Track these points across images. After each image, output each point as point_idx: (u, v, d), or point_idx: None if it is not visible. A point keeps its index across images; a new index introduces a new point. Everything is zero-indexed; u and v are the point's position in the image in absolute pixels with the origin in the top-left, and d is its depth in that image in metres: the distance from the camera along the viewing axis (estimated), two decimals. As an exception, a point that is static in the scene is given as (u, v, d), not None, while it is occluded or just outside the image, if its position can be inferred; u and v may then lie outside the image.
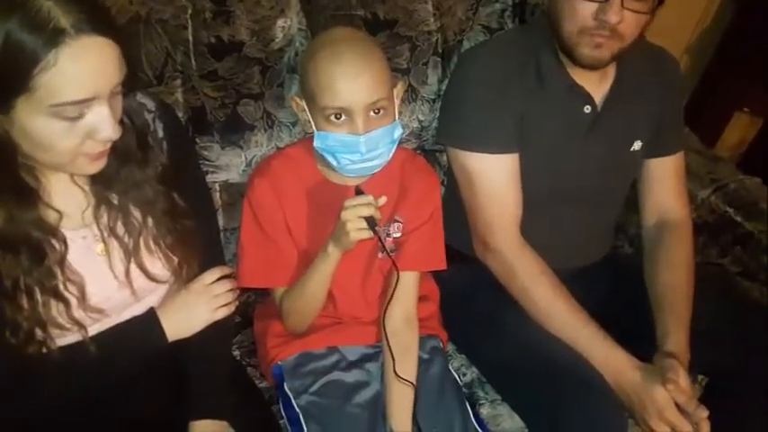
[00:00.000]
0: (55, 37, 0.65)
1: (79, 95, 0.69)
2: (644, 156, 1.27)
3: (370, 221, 0.95)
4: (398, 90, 1.06)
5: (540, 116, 1.16)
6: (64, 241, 0.80)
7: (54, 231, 0.79)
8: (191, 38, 1.12)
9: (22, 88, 0.66)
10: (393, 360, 1.05)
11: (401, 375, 1.04)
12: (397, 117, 1.03)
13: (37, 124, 0.69)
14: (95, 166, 0.78)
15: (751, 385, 1.12)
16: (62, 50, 0.66)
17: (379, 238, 0.99)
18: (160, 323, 0.91)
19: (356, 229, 0.95)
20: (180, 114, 1.11)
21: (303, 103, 1.02)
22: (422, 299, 1.21)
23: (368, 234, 0.96)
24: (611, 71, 1.19)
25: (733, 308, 1.21)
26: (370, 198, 0.97)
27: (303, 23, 1.21)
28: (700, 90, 2.38)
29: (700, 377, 1.25)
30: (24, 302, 0.77)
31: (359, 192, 1.00)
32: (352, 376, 1.11)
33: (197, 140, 1.16)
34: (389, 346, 1.06)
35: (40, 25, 0.65)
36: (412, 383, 1.05)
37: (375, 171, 1.05)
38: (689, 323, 1.13)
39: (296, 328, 1.13)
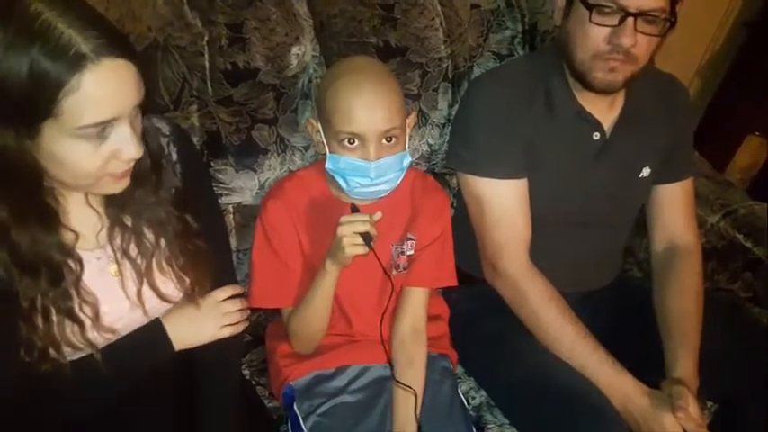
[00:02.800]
0: (77, 62, 0.68)
1: (103, 117, 0.71)
2: (653, 182, 1.28)
3: (366, 237, 0.98)
4: (410, 120, 1.09)
5: (548, 142, 1.17)
6: (79, 262, 0.82)
7: (71, 253, 0.81)
8: (207, 64, 1.14)
9: (47, 113, 0.69)
10: (392, 368, 1.08)
11: (402, 382, 1.07)
12: (407, 147, 1.06)
13: (63, 147, 0.71)
14: (120, 186, 0.80)
15: (761, 411, 1.11)
16: (84, 75, 0.68)
17: (375, 253, 1.01)
18: (166, 332, 0.92)
19: (351, 245, 0.98)
20: (195, 139, 1.14)
21: (318, 126, 1.05)
22: (434, 318, 1.23)
23: (363, 249, 0.99)
24: (620, 99, 1.20)
25: (742, 334, 1.20)
26: (366, 215, 0.99)
27: (317, 51, 1.24)
28: (711, 113, 2.39)
29: (709, 403, 1.25)
30: (40, 322, 0.79)
31: (354, 209, 1.03)
32: (361, 397, 1.12)
33: (212, 164, 1.18)
34: (389, 353, 1.09)
35: (63, 52, 0.67)
36: (412, 389, 1.07)
37: (382, 195, 1.07)
38: (698, 349, 1.13)
39: (303, 348, 1.15)
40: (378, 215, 1.01)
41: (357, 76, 1.01)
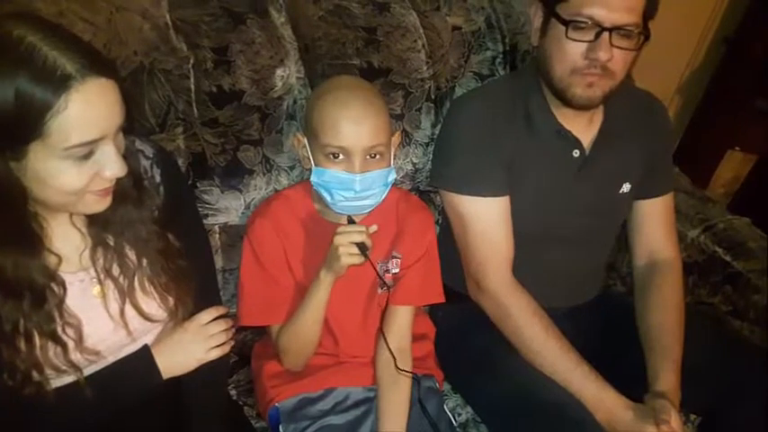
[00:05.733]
0: (63, 83, 0.69)
1: (89, 136, 0.72)
2: (633, 197, 1.30)
3: (362, 247, 1.00)
4: (395, 138, 1.11)
5: (529, 160, 1.19)
6: (63, 285, 0.82)
7: (54, 276, 0.81)
8: (192, 87, 1.15)
9: (35, 135, 0.70)
10: (394, 358, 1.10)
11: (402, 369, 1.10)
12: (392, 163, 1.08)
13: (49, 167, 0.72)
14: (103, 204, 0.81)
15: (743, 424, 1.13)
16: (71, 95, 0.69)
17: (372, 262, 1.03)
18: (154, 360, 0.92)
19: (347, 254, 1.00)
20: (181, 160, 1.14)
21: (304, 140, 1.07)
22: (420, 337, 1.24)
23: (359, 259, 1.01)
24: (599, 115, 1.22)
25: (723, 347, 1.22)
26: (362, 226, 1.02)
27: (301, 72, 1.25)
28: (692, 129, 2.43)
29: (692, 416, 1.26)
30: (22, 346, 0.79)
31: (351, 221, 1.05)
32: (348, 418, 1.12)
33: (198, 185, 1.18)
34: (388, 345, 1.10)
35: (49, 74, 0.68)
36: (411, 373, 1.11)
37: (366, 211, 1.09)
38: (680, 363, 1.14)
39: (293, 364, 1.15)
40: (374, 227, 1.03)
41: (345, 92, 1.03)
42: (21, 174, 0.73)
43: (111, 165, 0.76)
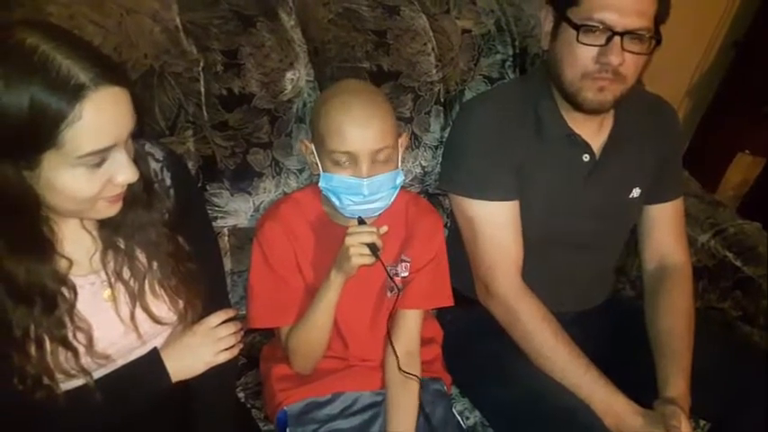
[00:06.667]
0: (77, 92, 0.69)
1: (102, 144, 0.73)
2: (643, 202, 1.29)
3: (372, 248, 1.00)
4: (403, 140, 1.11)
5: (539, 164, 1.19)
6: (74, 289, 0.82)
7: (65, 281, 0.81)
8: (203, 90, 1.15)
9: (49, 144, 0.70)
10: (397, 359, 1.10)
11: (406, 372, 1.10)
12: (399, 165, 1.08)
13: (62, 176, 0.73)
14: (114, 209, 0.81)
15: (753, 430, 1.12)
16: (85, 104, 0.69)
17: (382, 263, 1.03)
18: (163, 363, 0.92)
19: (358, 254, 1.00)
20: (191, 163, 1.15)
21: (312, 147, 1.07)
22: (428, 341, 1.24)
23: (369, 260, 1.01)
24: (609, 120, 1.22)
25: (733, 352, 1.22)
26: (372, 227, 1.02)
27: (311, 75, 1.26)
28: (701, 132, 2.42)
29: (702, 422, 1.25)
30: (33, 351, 0.79)
31: (361, 222, 1.05)
32: (356, 422, 1.12)
33: (207, 187, 1.19)
34: (393, 347, 1.10)
35: (63, 84, 0.68)
36: (417, 377, 1.11)
37: (376, 214, 1.09)
38: (689, 369, 1.14)
39: (303, 366, 1.15)
40: (384, 228, 1.03)
41: (348, 96, 1.03)
42: (34, 182, 0.73)
43: (123, 171, 0.76)
